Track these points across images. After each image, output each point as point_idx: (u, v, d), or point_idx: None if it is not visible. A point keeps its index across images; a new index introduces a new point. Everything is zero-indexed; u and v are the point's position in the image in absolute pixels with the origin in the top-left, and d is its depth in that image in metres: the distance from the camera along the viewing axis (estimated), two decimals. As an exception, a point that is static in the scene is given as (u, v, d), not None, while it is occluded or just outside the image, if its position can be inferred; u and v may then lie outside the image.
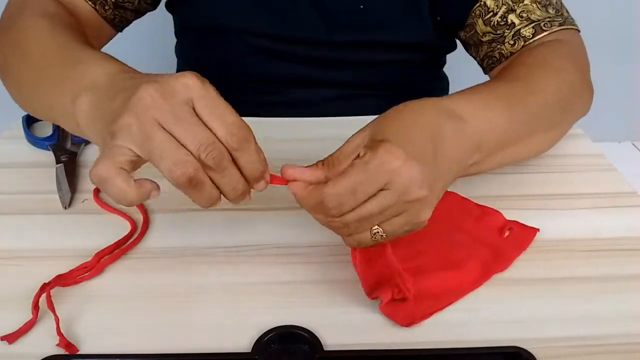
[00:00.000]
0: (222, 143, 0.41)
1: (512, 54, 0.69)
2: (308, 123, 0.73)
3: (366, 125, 0.49)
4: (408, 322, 0.47)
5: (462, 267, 0.52)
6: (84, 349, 0.45)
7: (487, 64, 0.73)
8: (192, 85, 0.41)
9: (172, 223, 0.58)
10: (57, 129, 0.69)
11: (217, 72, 0.83)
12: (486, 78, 0.71)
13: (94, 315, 0.48)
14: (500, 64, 0.71)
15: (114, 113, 0.42)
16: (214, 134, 0.41)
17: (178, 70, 0.92)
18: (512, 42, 0.69)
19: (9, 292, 0.50)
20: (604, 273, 0.53)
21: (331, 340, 0.46)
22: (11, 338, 0.45)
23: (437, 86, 0.91)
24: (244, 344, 0.46)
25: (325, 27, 0.75)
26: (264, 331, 0.46)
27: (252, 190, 0.45)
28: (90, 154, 0.67)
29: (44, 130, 0.70)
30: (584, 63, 0.68)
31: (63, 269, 0.51)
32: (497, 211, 0.58)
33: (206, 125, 0.41)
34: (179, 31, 0.87)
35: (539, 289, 0.51)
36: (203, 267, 0.53)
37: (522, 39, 0.68)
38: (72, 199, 0.60)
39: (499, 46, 0.70)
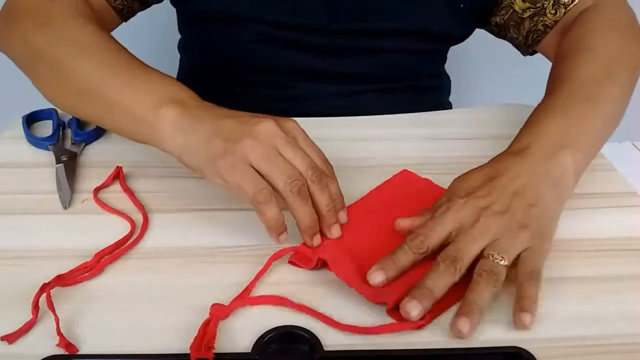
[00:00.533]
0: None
1: (556, 22, 0.72)
2: (315, 122, 0.72)
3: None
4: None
5: None
6: (84, 349, 0.45)
7: (532, 39, 0.75)
8: (296, 126, 0.54)
9: (172, 223, 0.58)
10: (57, 129, 0.69)
11: (222, 65, 0.84)
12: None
13: (94, 315, 0.48)
14: (546, 34, 0.73)
15: (223, 135, 0.51)
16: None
17: (181, 66, 0.93)
18: (553, 12, 0.71)
19: (9, 292, 0.50)
20: (604, 273, 0.53)
21: (331, 340, 0.46)
22: (11, 338, 0.45)
23: (441, 83, 0.91)
24: (244, 344, 0.46)
25: (329, 14, 0.75)
26: (264, 331, 0.46)
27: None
28: (90, 154, 0.67)
29: (44, 130, 0.70)
30: (625, 19, 0.70)
31: (63, 269, 0.51)
32: None
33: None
34: (183, 25, 0.87)
35: (539, 289, 0.51)
36: (203, 267, 0.53)
37: (562, 6, 0.71)
38: (72, 199, 0.60)
39: (541, 19, 0.72)
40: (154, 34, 1.27)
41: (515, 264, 0.50)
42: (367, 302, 0.49)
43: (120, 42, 0.62)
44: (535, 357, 0.44)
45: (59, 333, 0.45)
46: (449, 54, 0.89)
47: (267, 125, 0.51)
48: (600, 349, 0.46)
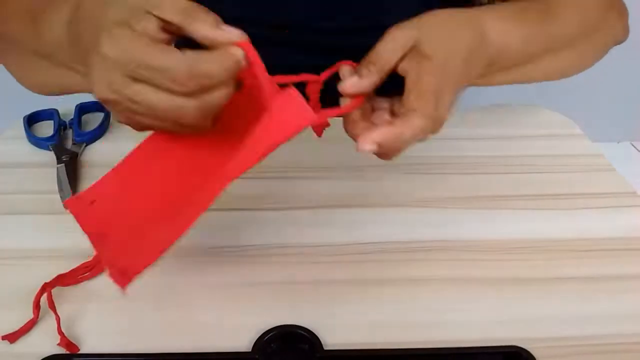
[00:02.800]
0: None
1: None
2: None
3: (410, 23, 0.50)
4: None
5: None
6: (84, 349, 0.45)
7: None
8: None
9: (172, 223, 0.58)
10: (58, 129, 0.69)
11: None
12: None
13: (94, 315, 0.48)
14: None
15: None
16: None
17: None
18: None
19: (10, 291, 0.50)
20: (604, 273, 0.53)
21: (331, 340, 0.46)
22: (12, 337, 0.46)
23: None
24: (244, 343, 0.46)
25: (320, 13, 0.74)
26: (264, 331, 0.46)
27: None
28: (91, 154, 0.67)
29: (45, 130, 0.70)
30: None
31: (64, 269, 0.51)
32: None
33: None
34: None
35: (539, 289, 0.51)
36: (203, 267, 0.53)
37: None
38: (72, 199, 0.60)
39: None
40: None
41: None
42: (365, 302, 0.49)
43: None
44: (535, 357, 0.44)
45: (60, 332, 0.45)
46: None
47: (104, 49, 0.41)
48: (600, 349, 0.46)
